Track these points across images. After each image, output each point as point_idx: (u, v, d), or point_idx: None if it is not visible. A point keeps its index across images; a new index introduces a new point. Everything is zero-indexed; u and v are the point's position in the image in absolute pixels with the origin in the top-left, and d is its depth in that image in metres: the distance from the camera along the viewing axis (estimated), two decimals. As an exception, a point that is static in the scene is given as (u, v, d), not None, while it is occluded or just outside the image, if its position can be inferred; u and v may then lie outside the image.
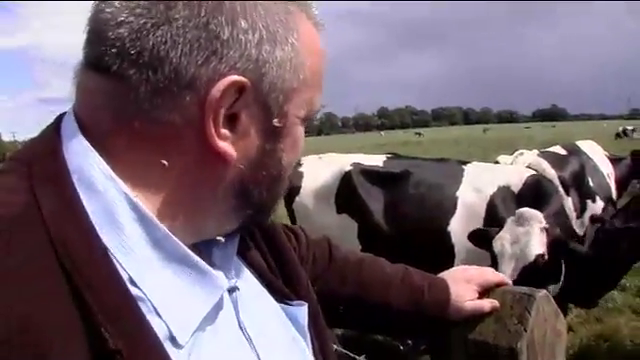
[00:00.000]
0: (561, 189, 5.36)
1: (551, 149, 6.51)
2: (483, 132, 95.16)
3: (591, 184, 5.97)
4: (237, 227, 0.96)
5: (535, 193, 4.76)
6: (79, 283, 0.73)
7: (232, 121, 0.84)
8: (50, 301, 0.71)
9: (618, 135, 44.90)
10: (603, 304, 6.64)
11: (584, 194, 5.83)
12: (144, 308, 0.78)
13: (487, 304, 1.44)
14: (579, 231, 5.14)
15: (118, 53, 0.79)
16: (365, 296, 1.46)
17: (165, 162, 0.83)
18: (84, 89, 0.87)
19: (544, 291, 1.43)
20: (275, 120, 0.88)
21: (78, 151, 0.82)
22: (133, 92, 0.80)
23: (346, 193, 5.47)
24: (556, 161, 5.85)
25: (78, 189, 0.79)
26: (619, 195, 6.49)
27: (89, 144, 0.82)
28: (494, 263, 4.02)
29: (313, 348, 1.11)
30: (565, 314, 4.77)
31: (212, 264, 0.92)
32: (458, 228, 4.84)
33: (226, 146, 0.84)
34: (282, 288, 1.12)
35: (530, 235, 3.98)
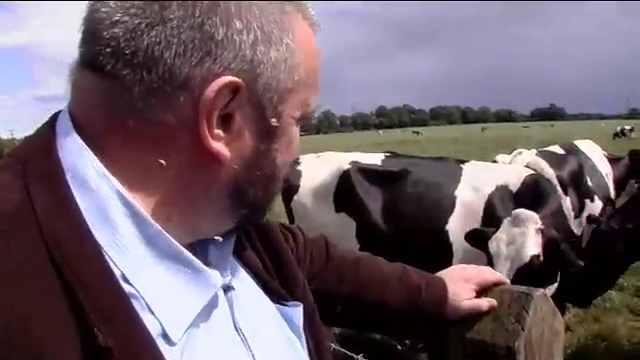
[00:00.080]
0: (559, 188, 5.36)
1: (549, 148, 6.51)
2: (481, 131, 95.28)
3: (589, 184, 5.98)
4: (233, 227, 0.96)
5: (533, 193, 4.76)
6: (71, 280, 0.73)
7: (226, 121, 0.84)
8: (43, 299, 0.72)
9: (616, 135, 44.95)
10: (601, 304, 6.66)
11: (582, 194, 5.84)
12: (137, 305, 0.78)
13: (485, 303, 1.43)
14: (577, 231, 5.15)
15: (113, 53, 0.80)
16: (362, 295, 1.46)
17: (163, 161, 0.83)
18: (79, 88, 0.87)
19: (542, 290, 1.43)
20: (270, 120, 0.88)
21: (72, 149, 0.82)
22: (127, 92, 0.80)
23: (344, 192, 5.46)
24: (554, 160, 5.85)
25: (72, 187, 0.80)
26: (617, 195, 6.50)
27: (83, 143, 0.82)
28: (490, 264, 4.03)
29: (308, 349, 1.11)
30: (563, 313, 4.78)
31: (208, 263, 0.92)
32: (456, 227, 4.84)
33: (219, 146, 0.84)
34: (278, 288, 1.12)
35: (525, 236, 3.99)
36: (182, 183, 0.85)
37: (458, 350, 1.44)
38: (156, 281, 0.82)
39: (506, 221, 4.13)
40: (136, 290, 0.79)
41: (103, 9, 0.81)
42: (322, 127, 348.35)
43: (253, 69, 0.83)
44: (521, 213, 4.11)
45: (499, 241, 4.06)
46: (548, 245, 4.02)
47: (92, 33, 0.82)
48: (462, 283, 1.48)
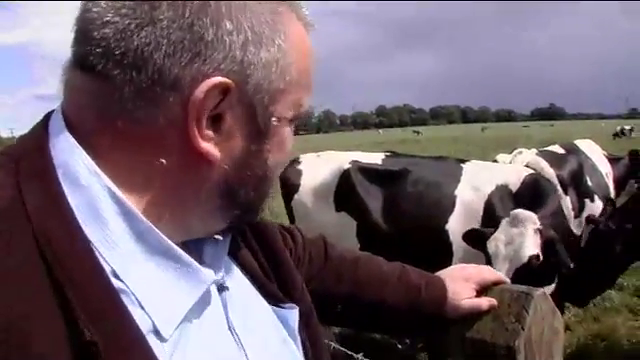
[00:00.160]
0: (559, 188, 5.37)
1: (549, 148, 6.51)
2: (481, 131, 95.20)
3: (589, 183, 5.97)
4: (226, 227, 0.96)
5: (533, 192, 4.76)
6: (59, 276, 0.73)
7: (216, 122, 0.84)
8: (31, 295, 0.72)
9: (616, 135, 44.91)
10: (600, 303, 6.67)
11: (582, 193, 5.84)
12: (127, 301, 0.78)
13: (485, 302, 1.43)
14: (577, 230, 5.15)
15: (103, 53, 0.80)
16: (361, 294, 1.46)
17: (152, 162, 0.83)
18: (71, 87, 0.87)
19: (541, 289, 1.43)
20: (260, 121, 0.88)
21: (64, 148, 0.83)
22: (117, 92, 0.81)
23: (345, 191, 5.46)
24: (554, 160, 5.85)
25: (63, 184, 0.80)
26: (617, 194, 6.50)
27: (75, 141, 0.83)
28: (488, 264, 4.03)
29: (305, 351, 1.12)
30: (562, 313, 4.78)
31: (202, 262, 0.93)
32: (456, 226, 4.84)
33: (209, 147, 0.84)
34: (274, 290, 1.12)
35: (524, 236, 3.99)
36: (172, 183, 0.85)
37: (458, 349, 1.44)
38: (146, 277, 0.82)
39: (504, 221, 4.14)
40: (126, 286, 0.79)
41: (94, 9, 0.81)
42: (322, 126, 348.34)
43: (243, 70, 0.84)
44: (520, 213, 4.12)
45: (498, 241, 4.06)
46: (546, 245, 4.03)
47: (83, 33, 0.82)
48: (462, 282, 1.48)
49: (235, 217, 0.95)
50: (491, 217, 4.66)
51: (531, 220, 4.06)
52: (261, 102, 0.87)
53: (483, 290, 1.47)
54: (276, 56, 0.87)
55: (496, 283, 1.50)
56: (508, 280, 1.56)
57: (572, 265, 4.12)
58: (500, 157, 7.97)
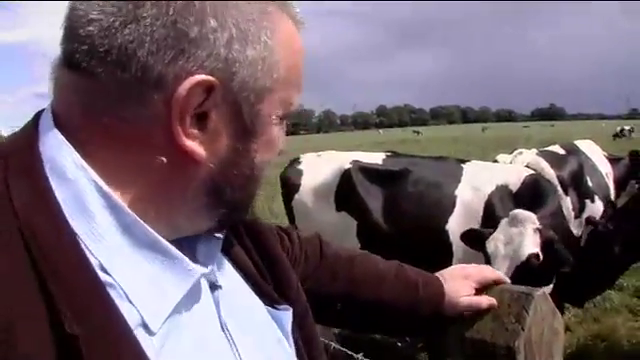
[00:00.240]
0: (560, 189, 5.37)
1: (550, 148, 6.51)
2: (482, 131, 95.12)
3: (590, 184, 5.98)
4: (215, 226, 0.96)
5: (533, 193, 4.76)
6: (44, 270, 0.73)
7: (202, 120, 0.84)
8: (16, 291, 0.72)
9: (616, 135, 44.89)
10: (601, 304, 6.68)
11: (583, 194, 5.84)
12: (114, 294, 0.78)
13: (484, 300, 1.44)
14: (577, 231, 5.15)
15: (88, 50, 0.80)
16: (358, 292, 1.46)
17: (149, 159, 0.83)
18: (60, 85, 0.88)
19: (542, 290, 1.43)
20: (247, 119, 0.88)
21: (53, 144, 0.83)
22: (102, 89, 0.81)
23: (345, 191, 5.46)
24: (555, 160, 5.85)
25: (50, 179, 0.80)
26: (617, 195, 6.50)
27: (63, 138, 0.83)
28: (488, 264, 4.03)
29: (298, 351, 1.12)
30: (562, 313, 4.78)
31: (196, 260, 0.92)
32: (456, 227, 4.84)
33: (194, 145, 0.83)
34: (269, 291, 1.12)
35: (523, 236, 3.99)
36: (158, 181, 0.85)
37: (458, 349, 1.44)
38: (133, 270, 0.82)
39: (504, 222, 4.14)
40: (113, 279, 0.79)
41: (81, 7, 0.82)
42: (323, 126, 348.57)
43: (228, 67, 0.83)
44: (519, 214, 4.12)
45: (497, 241, 4.06)
46: (546, 245, 4.03)
47: (70, 31, 0.83)
48: (462, 280, 1.49)
49: (223, 215, 0.94)
50: (491, 217, 4.66)
51: (530, 220, 4.06)
52: (247, 100, 0.87)
53: (483, 289, 1.48)
54: (262, 53, 0.87)
55: (497, 282, 1.50)
56: (508, 280, 1.56)
57: (572, 260, 4.13)
58: (500, 157, 7.98)
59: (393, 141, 56.06)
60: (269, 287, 1.12)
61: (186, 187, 0.87)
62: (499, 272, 1.58)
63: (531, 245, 3.96)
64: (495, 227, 4.16)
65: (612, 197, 6.20)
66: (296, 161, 6.01)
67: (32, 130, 0.86)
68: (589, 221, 4.79)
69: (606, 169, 6.46)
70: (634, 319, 6.52)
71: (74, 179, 0.81)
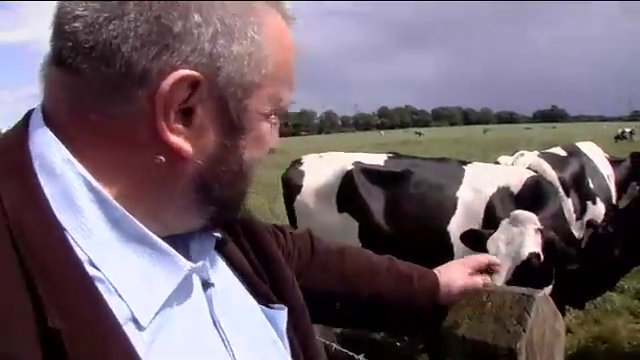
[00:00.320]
0: (561, 190, 5.37)
1: (551, 150, 6.52)
2: (483, 132, 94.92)
3: (591, 185, 5.98)
4: (207, 224, 0.96)
5: (534, 194, 4.77)
6: (31, 267, 0.73)
7: (188, 116, 0.84)
8: (2, 288, 0.72)
9: (618, 137, 44.80)
10: (601, 306, 6.67)
11: (584, 195, 5.84)
12: (103, 289, 0.78)
13: (480, 280, 1.52)
14: (579, 233, 5.15)
15: (73, 47, 0.81)
16: (351, 287, 1.49)
17: (137, 156, 0.83)
18: (49, 82, 0.88)
19: (543, 292, 1.44)
20: (234, 115, 0.87)
21: (42, 141, 0.83)
22: (88, 85, 0.81)
23: (347, 192, 5.46)
24: (556, 162, 5.86)
25: (39, 176, 0.80)
26: (619, 197, 6.50)
27: (52, 134, 0.83)
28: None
29: (294, 352, 1.11)
30: (563, 315, 4.78)
31: (189, 258, 0.92)
32: (457, 228, 4.84)
33: (179, 141, 0.83)
34: (265, 290, 1.12)
35: (524, 235, 3.98)
36: (145, 178, 0.85)
37: (459, 351, 1.45)
38: (123, 264, 0.81)
39: (504, 222, 4.13)
40: (102, 274, 0.79)
41: (68, 4, 0.82)
42: (324, 127, 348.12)
43: (213, 62, 0.83)
44: (520, 214, 4.11)
45: (498, 241, 4.06)
46: (546, 246, 4.03)
47: (58, 27, 0.83)
48: (456, 265, 1.57)
49: (213, 213, 0.94)
50: (492, 219, 4.66)
51: (531, 220, 4.05)
52: (234, 95, 0.86)
53: (483, 292, 1.49)
54: (249, 49, 0.86)
55: (489, 266, 1.58)
56: (499, 261, 1.63)
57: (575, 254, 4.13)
58: (502, 159, 7.98)
59: (394, 142, 56.00)
60: (265, 286, 1.12)
61: (174, 183, 0.87)
62: (490, 256, 1.63)
63: (532, 245, 3.96)
64: (496, 229, 4.16)
65: (613, 199, 6.20)
66: (298, 162, 6.00)
67: (22, 129, 0.86)
68: (589, 224, 4.79)
69: (607, 171, 6.47)
70: (635, 321, 6.52)
71: (61, 174, 0.81)
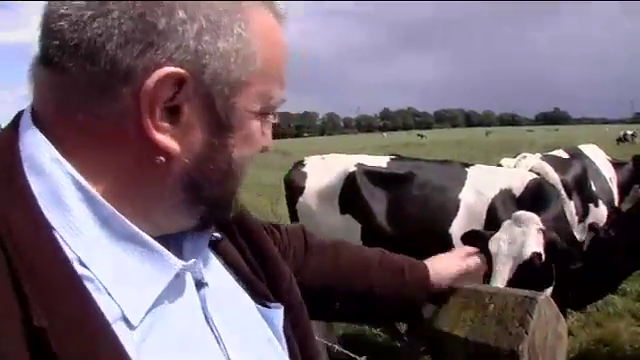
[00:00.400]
0: (564, 193, 5.36)
1: (554, 153, 6.52)
2: (485, 135, 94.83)
3: (594, 188, 5.97)
4: (198, 224, 0.95)
5: (536, 197, 4.76)
6: (18, 267, 0.73)
7: (174, 114, 0.83)
8: None
9: (619, 140, 44.72)
10: (603, 308, 6.66)
11: (587, 198, 5.83)
12: (93, 288, 0.77)
13: (471, 262, 1.61)
14: (581, 235, 5.15)
15: (59, 45, 0.80)
16: (346, 280, 1.51)
17: (124, 155, 0.83)
18: (37, 82, 0.88)
19: (546, 294, 1.44)
20: (221, 113, 0.86)
21: (32, 142, 0.83)
22: (74, 84, 0.81)
23: (350, 194, 5.46)
24: (559, 165, 5.85)
25: (28, 176, 0.80)
26: (621, 200, 6.49)
27: (40, 134, 0.83)
28: (489, 264, 4.03)
29: (291, 351, 1.11)
30: (564, 317, 4.78)
31: (182, 258, 0.92)
32: (459, 230, 4.83)
33: (165, 139, 0.82)
34: (261, 288, 1.12)
35: (527, 235, 3.96)
36: (132, 177, 0.85)
37: (461, 353, 1.45)
38: (112, 263, 0.81)
39: (506, 223, 4.13)
40: (92, 273, 0.79)
41: (54, 2, 0.82)
42: (326, 129, 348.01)
43: (198, 59, 0.82)
44: (522, 214, 4.10)
45: (500, 240, 4.04)
46: (548, 247, 4.02)
47: (45, 26, 0.83)
48: (447, 255, 1.67)
49: (204, 213, 0.93)
50: (494, 221, 4.66)
51: (534, 220, 4.05)
52: (221, 93, 0.85)
53: (486, 295, 1.49)
54: (235, 46, 0.85)
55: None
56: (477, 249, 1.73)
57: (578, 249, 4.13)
58: (504, 161, 7.97)
59: (397, 144, 55.94)
60: (262, 285, 1.12)
61: (162, 182, 0.86)
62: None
63: (534, 244, 3.94)
64: (497, 231, 4.16)
65: (616, 202, 6.19)
66: (300, 164, 6.00)
67: (12, 130, 0.86)
68: (592, 227, 4.79)
69: (610, 174, 6.46)
70: (637, 324, 6.50)
71: (49, 173, 0.81)
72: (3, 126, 0.91)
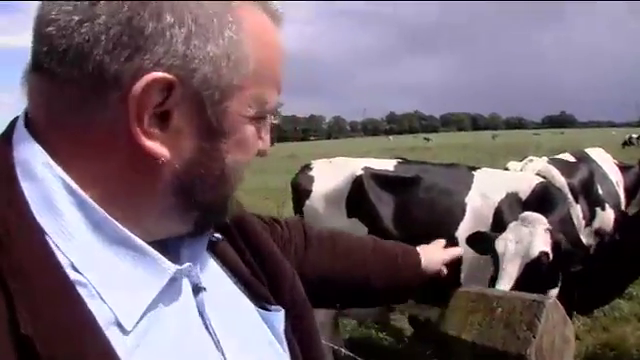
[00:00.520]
0: (570, 196, 5.35)
1: (560, 156, 6.50)
2: (492, 138, 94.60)
3: (600, 192, 5.95)
4: (193, 229, 0.95)
5: (542, 200, 4.75)
6: (7, 272, 0.72)
7: (165, 120, 0.82)
8: None
9: (625, 143, 44.57)
10: (610, 313, 6.65)
11: (593, 202, 5.81)
12: (85, 293, 0.77)
13: (458, 250, 1.77)
14: (588, 239, 5.14)
15: (48, 51, 0.80)
16: (344, 270, 1.55)
17: (114, 161, 0.83)
18: (29, 88, 0.87)
19: (553, 298, 1.44)
20: (212, 118, 0.85)
21: (25, 148, 0.83)
22: (63, 90, 0.80)
23: (357, 197, 5.44)
24: (565, 168, 5.83)
25: (21, 181, 0.80)
26: (627, 203, 6.47)
27: (32, 139, 0.83)
28: (496, 265, 4.04)
29: (293, 353, 1.11)
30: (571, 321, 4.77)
31: (179, 262, 0.91)
32: (466, 234, 4.83)
33: (155, 145, 0.81)
34: (262, 291, 1.11)
35: (534, 235, 3.96)
36: (123, 183, 0.84)
37: (469, 357, 1.46)
38: (105, 268, 0.81)
39: (513, 224, 4.13)
40: (85, 278, 0.78)
41: (45, 7, 0.82)
42: (332, 132, 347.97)
43: (187, 64, 0.81)
44: (529, 215, 4.10)
45: (507, 240, 4.03)
46: (555, 247, 4.02)
47: (35, 32, 0.83)
48: (434, 245, 1.77)
49: (197, 218, 0.93)
50: (500, 224, 4.64)
51: (541, 221, 4.05)
52: (211, 98, 0.84)
53: (494, 299, 1.50)
54: (226, 49, 0.84)
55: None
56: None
57: (585, 253, 4.13)
58: (511, 165, 7.96)
59: (403, 148, 55.91)
60: (263, 288, 1.11)
61: (153, 189, 0.86)
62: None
63: (542, 244, 3.94)
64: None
65: (622, 205, 6.17)
66: (307, 167, 5.99)
67: (6, 136, 0.87)
68: (597, 233, 4.79)
69: (617, 177, 6.43)
70: (643, 328, 6.50)
71: (41, 178, 0.80)
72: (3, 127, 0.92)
